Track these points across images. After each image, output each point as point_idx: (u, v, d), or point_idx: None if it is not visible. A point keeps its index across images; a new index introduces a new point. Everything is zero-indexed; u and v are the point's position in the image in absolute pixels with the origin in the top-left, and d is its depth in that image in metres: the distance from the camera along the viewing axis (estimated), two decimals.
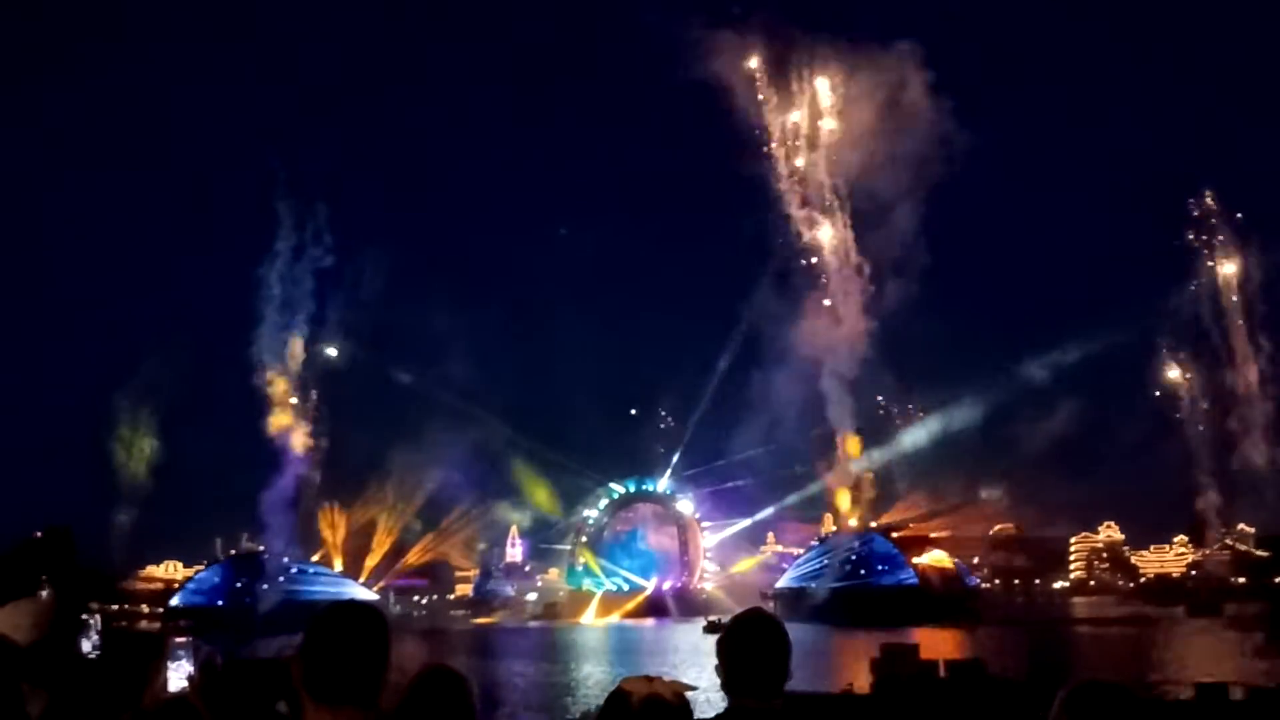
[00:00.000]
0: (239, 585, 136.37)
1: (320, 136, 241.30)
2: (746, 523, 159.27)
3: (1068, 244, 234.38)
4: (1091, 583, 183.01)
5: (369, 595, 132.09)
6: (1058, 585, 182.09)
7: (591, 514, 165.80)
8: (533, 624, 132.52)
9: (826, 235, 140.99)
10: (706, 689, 3.38)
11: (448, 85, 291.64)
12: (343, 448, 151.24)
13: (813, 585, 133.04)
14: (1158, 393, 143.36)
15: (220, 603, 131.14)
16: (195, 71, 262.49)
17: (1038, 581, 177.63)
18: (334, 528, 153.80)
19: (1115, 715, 3.08)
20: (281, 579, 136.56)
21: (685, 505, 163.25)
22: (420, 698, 2.99)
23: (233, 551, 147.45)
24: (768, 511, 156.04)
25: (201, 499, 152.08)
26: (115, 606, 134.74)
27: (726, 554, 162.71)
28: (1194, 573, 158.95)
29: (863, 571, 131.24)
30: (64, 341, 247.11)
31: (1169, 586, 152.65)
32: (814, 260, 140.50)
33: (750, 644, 3.40)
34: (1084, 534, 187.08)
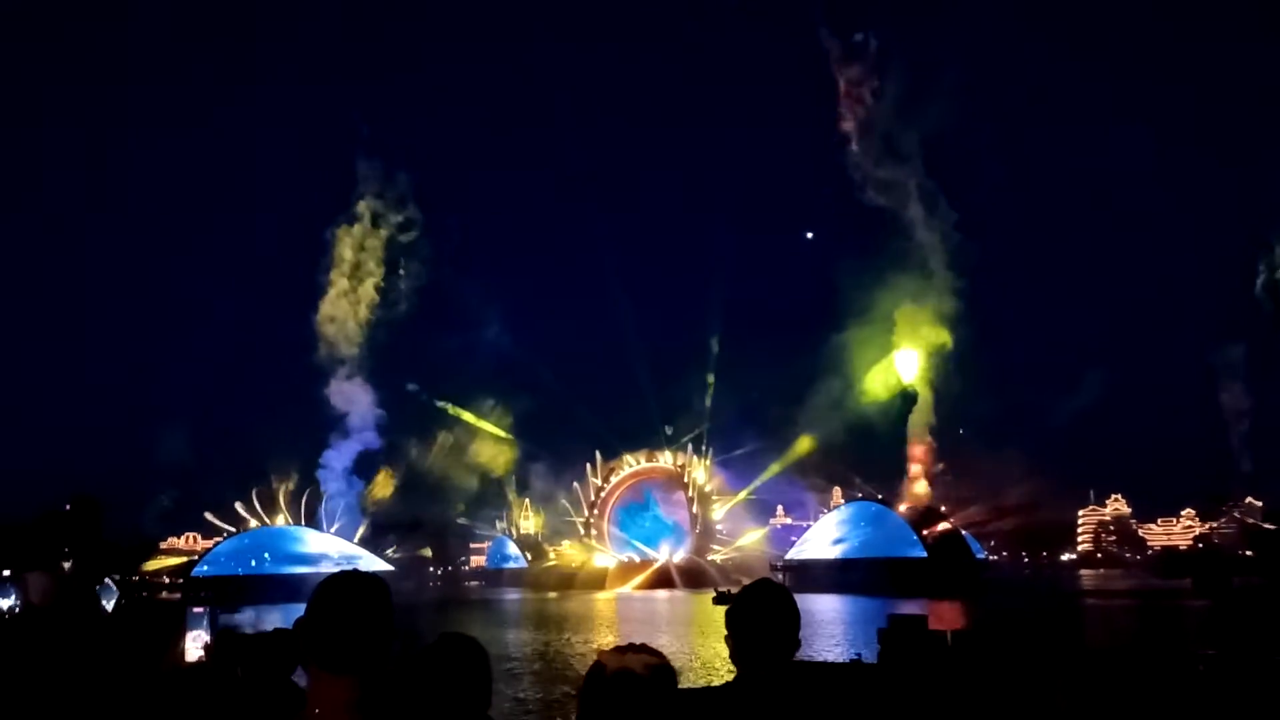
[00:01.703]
0: (255, 557, 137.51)
1: (401, 98, 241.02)
2: (753, 487, 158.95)
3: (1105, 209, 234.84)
4: (1099, 555, 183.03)
5: (381, 566, 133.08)
6: (1065, 558, 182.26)
7: (604, 483, 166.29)
8: (548, 595, 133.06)
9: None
10: (678, 654, 3.39)
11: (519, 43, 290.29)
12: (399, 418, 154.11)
13: (821, 556, 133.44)
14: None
15: (239, 572, 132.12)
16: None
17: (1045, 554, 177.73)
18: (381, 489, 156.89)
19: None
20: (294, 550, 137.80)
21: (698, 473, 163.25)
22: (434, 666, 3.00)
23: (253, 524, 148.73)
24: (771, 473, 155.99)
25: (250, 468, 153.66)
26: (135, 578, 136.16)
27: (736, 524, 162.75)
28: (1201, 546, 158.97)
29: (872, 543, 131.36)
30: (108, 317, 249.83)
31: (1176, 559, 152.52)
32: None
33: (758, 614, 3.41)
34: (1092, 507, 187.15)
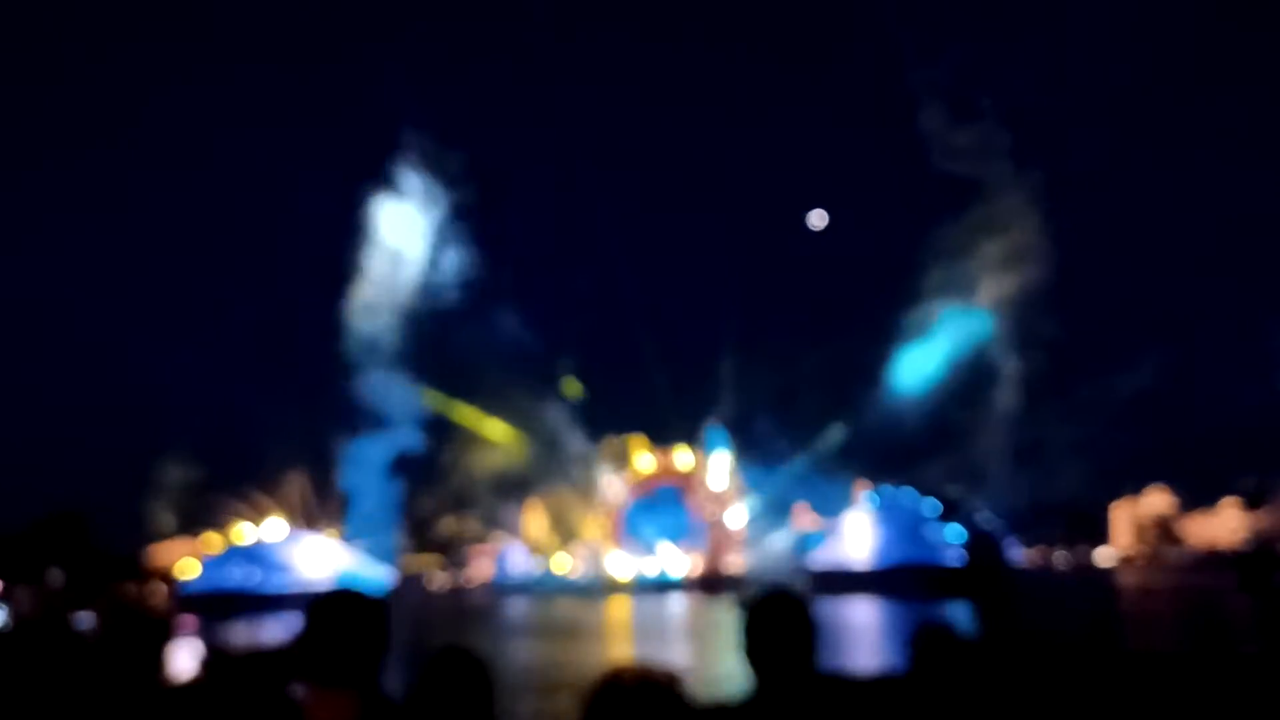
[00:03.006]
0: (251, 568, 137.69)
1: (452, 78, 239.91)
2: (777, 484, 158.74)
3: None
4: (1136, 552, 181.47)
5: (383, 577, 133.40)
6: (1101, 554, 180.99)
7: (621, 483, 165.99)
8: (559, 602, 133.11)
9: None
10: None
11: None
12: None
13: (847, 559, 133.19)
14: None
15: (235, 585, 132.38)
16: None
17: (1081, 548, 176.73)
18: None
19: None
20: (294, 562, 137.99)
21: (722, 471, 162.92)
22: (435, 680, 3.00)
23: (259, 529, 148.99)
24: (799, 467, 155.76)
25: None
26: (133, 586, 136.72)
27: (760, 524, 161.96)
28: (1247, 540, 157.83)
29: (901, 542, 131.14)
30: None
31: (1221, 555, 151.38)
32: None
33: (771, 625, 3.40)
34: (1129, 498, 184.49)
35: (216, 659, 4.59)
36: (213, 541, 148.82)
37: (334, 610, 2.65)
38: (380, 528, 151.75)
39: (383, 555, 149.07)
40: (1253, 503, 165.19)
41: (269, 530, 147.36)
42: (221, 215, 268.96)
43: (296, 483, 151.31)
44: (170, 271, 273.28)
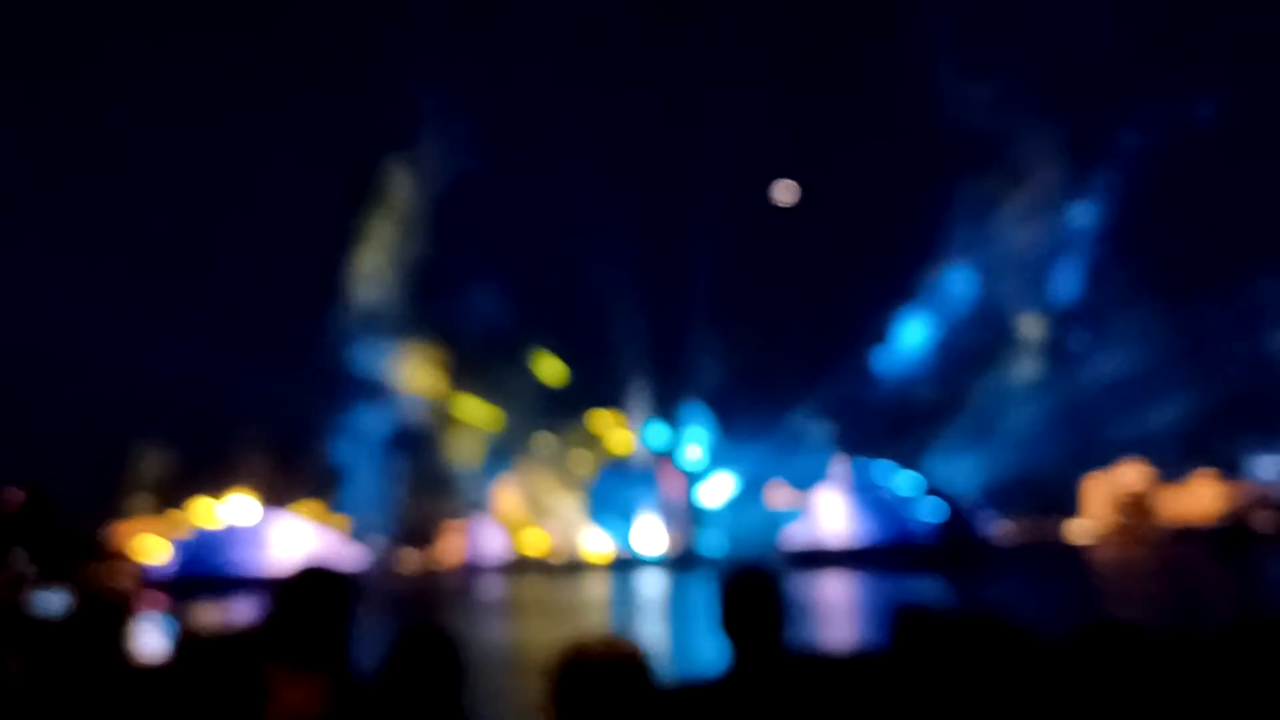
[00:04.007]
0: (222, 549, 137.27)
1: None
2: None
3: None
4: (1110, 525, 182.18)
5: (352, 557, 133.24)
6: (1073, 527, 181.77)
7: (592, 463, 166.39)
8: (532, 580, 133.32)
9: None
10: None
11: None
12: None
13: (823, 537, 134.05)
14: None
15: (205, 566, 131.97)
16: None
17: (1052, 522, 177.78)
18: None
19: (1129, 652, 3.13)
20: (266, 542, 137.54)
21: (694, 445, 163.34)
22: (404, 658, 2.99)
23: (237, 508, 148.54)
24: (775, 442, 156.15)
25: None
26: (100, 567, 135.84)
27: (736, 501, 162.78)
28: (1224, 514, 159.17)
29: (880, 522, 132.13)
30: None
31: (1193, 531, 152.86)
32: None
33: (743, 601, 3.41)
34: (1101, 471, 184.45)
35: (185, 641, 4.56)
36: (183, 521, 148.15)
37: (300, 590, 2.65)
38: (372, 504, 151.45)
39: (372, 532, 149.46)
40: (1227, 475, 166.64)
41: (241, 509, 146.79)
42: (202, 179, 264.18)
43: (271, 459, 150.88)
44: (150, 241, 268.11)
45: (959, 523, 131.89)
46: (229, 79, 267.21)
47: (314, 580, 2.68)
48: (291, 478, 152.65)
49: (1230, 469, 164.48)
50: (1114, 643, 3.27)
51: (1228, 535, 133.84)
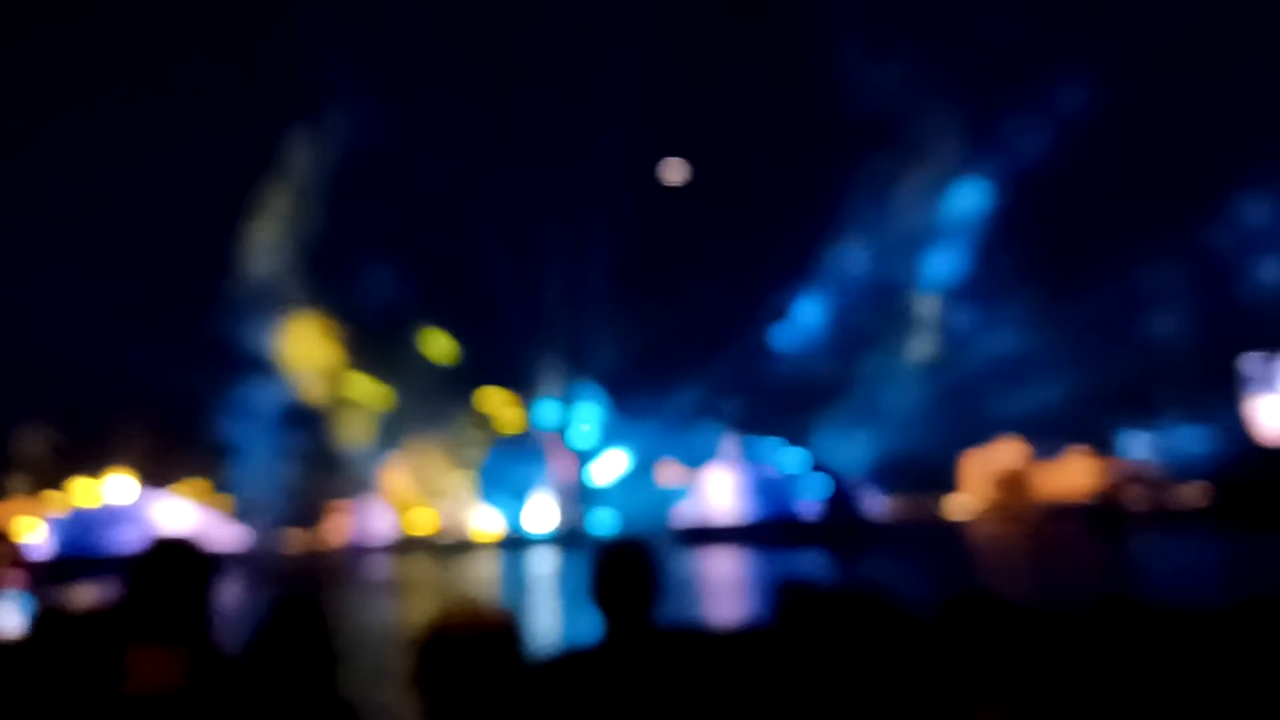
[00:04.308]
0: (98, 528, 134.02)
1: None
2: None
3: None
4: (986, 503, 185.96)
5: (234, 536, 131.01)
6: (950, 504, 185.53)
7: (481, 441, 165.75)
8: (420, 560, 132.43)
9: None
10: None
11: None
12: None
13: (711, 514, 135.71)
14: None
15: (79, 546, 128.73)
16: None
17: (931, 500, 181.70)
18: None
19: (990, 623, 3.21)
20: (144, 521, 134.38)
21: (585, 423, 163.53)
22: (271, 631, 2.94)
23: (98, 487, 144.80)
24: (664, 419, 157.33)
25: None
26: None
27: (626, 480, 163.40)
28: (1097, 491, 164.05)
29: (766, 499, 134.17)
30: None
31: (1068, 507, 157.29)
32: None
33: (613, 573, 3.43)
34: (977, 449, 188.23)
35: (47, 617, 4.45)
36: (63, 501, 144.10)
37: (152, 564, 2.60)
38: (259, 483, 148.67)
39: (258, 511, 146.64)
40: (1101, 453, 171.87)
41: (120, 489, 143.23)
42: (87, 147, 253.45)
43: (155, 437, 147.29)
44: (27, 209, 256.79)
45: (843, 499, 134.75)
46: (124, 46, 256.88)
47: (167, 554, 2.63)
48: (176, 456, 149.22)
49: (1103, 447, 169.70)
50: (976, 614, 3.37)
51: (1101, 512, 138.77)
